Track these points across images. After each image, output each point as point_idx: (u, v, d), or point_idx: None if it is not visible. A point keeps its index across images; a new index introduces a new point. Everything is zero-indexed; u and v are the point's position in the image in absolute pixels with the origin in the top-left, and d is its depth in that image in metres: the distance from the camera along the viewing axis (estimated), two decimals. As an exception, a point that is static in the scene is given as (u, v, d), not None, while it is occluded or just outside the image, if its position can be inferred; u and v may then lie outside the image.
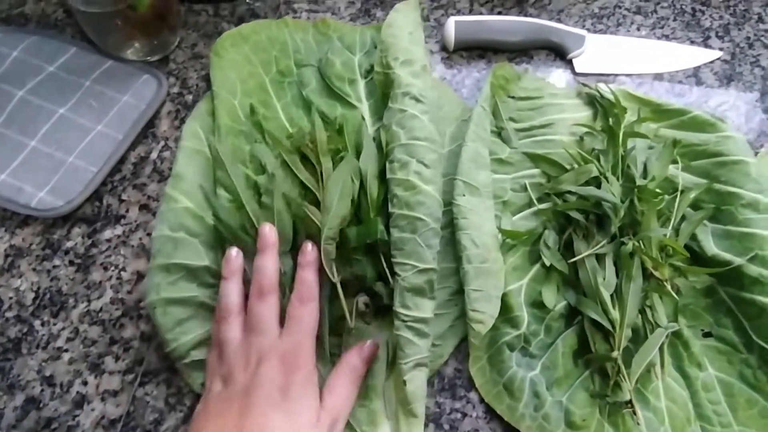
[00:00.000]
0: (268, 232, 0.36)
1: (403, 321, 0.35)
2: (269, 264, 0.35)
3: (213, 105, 0.44)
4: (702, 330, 0.39)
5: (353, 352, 0.35)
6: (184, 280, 0.37)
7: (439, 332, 0.39)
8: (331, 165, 0.40)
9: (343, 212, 0.38)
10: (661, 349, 0.36)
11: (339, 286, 0.36)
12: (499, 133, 0.47)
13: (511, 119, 0.47)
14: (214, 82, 0.45)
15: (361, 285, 0.37)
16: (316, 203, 0.39)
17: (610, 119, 0.44)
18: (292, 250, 0.38)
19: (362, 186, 0.40)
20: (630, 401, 0.34)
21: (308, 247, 0.36)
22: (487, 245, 0.38)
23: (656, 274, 0.37)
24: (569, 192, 0.41)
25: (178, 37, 0.53)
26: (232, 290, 0.35)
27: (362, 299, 0.37)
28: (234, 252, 0.36)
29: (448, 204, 0.40)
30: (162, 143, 0.48)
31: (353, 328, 0.36)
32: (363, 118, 0.46)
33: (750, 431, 0.35)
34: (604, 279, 0.37)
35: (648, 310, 0.37)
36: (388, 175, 0.39)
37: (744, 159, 0.40)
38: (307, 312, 0.34)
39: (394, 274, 0.36)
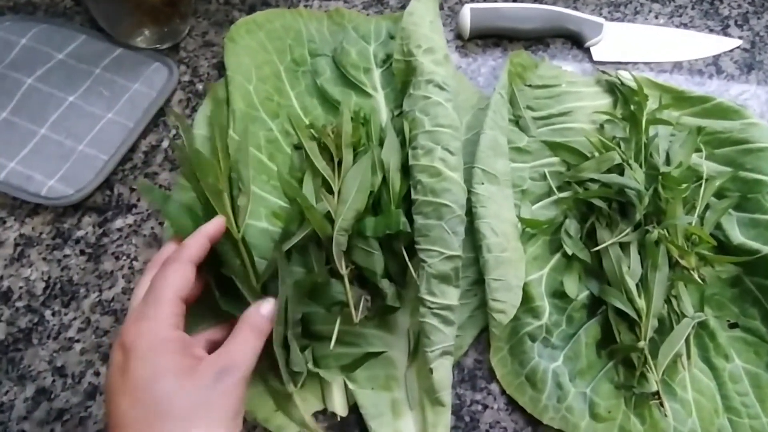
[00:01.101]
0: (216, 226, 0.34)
1: (429, 308, 0.34)
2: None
3: (227, 90, 0.43)
4: (728, 321, 0.38)
5: (251, 308, 0.32)
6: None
7: (459, 322, 0.38)
8: (351, 157, 0.39)
9: (359, 205, 0.37)
10: (687, 339, 0.35)
11: (346, 279, 0.35)
12: (516, 121, 0.46)
13: (529, 107, 0.47)
14: (228, 67, 0.44)
15: (366, 281, 0.36)
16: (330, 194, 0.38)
17: (632, 106, 0.43)
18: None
19: (384, 178, 0.39)
20: (657, 393, 0.33)
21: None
22: (506, 234, 0.37)
23: (682, 262, 0.36)
24: (591, 180, 0.40)
25: (189, 25, 0.52)
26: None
27: (365, 297, 0.36)
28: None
29: (467, 192, 0.39)
30: (173, 132, 0.47)
31: (356, 325, 0.35)
32: (376, 108, 0.45)
33: (780, 423, 0.34)
34: (629, 268, 0.36)
35: (673, 300, 0.36)
36: (411, 162, 0.38)
37: (770, 146, 0.39)
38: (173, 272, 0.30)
39: (416, 265, 0.35)
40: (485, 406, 0.37)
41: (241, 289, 0.35)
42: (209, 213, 0.36)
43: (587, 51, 0.52)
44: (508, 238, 0.37)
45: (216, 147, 0.39)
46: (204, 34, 0.52)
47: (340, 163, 0.40)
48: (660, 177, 0.38)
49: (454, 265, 0.35)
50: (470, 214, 0.39)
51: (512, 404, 0.37)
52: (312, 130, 0.42)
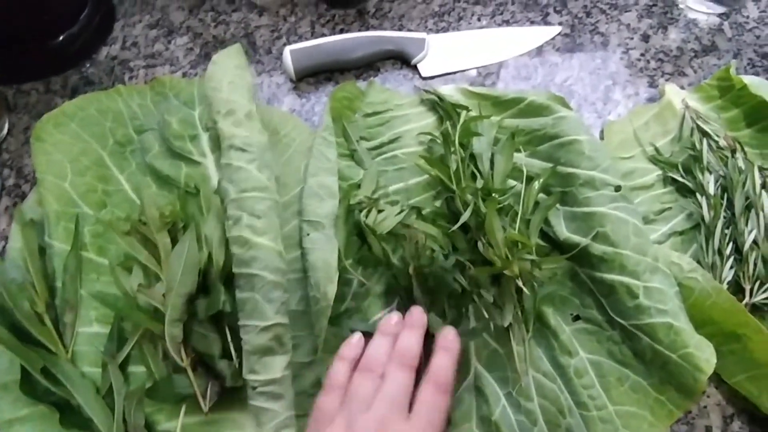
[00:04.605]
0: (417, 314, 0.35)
1: (254, 388, 0.34)
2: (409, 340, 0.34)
3: (39, 194, 0.41)
4: (571, 314, 0.39)
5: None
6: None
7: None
8: (168, 240, 0.38)
9: (189, 288, 0.36)
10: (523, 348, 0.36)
11: (189, 370, 0.34)
12: (352, 155, 0.46)
13: (363, 138, 0.47)
14: (38, 169, 0.42)
15: (209, 365, 0.35)
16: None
17: (448, 124, 0.43)
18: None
19: (210, 254, 0.38)
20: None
21: (449, 333, 0.34)
22: (318, 283, 0.36)
23: (507, 273, 0.36)
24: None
25: (6, 124, 0.50)
26: (342, 369, 0.33)
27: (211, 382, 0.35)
28: (357, 338, 0.35)
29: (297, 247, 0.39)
30: (3, 243, 0.45)
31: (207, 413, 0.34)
32: (206, 175, 0.44)
33: (624, 408, 0.35)
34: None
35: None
36: (227, 234, 0.38)
37: (577, 138, 0.41)
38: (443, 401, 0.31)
39: (238, 345, 0.35)
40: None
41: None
42: (29, 342, 0.35)
43: (416, 68, 0.52)
44: (318, 286, 0.36)
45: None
46: (26, 130, 0.50)
47: (166, 248, 0.39)
48: (479, 191, 0.39)
49: (273, 334, 0.34)
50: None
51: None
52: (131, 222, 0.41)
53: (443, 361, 0.33)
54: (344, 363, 0.33)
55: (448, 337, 0.34)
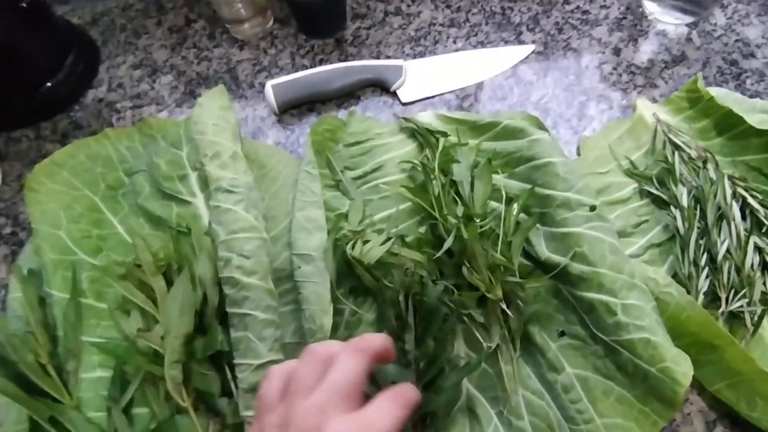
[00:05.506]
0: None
1: (250, 423, 0.35)
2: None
3: (35, 244, 0.43)
4: (557, 330, 0.40)
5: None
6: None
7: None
8: (163, 283, 0.40)
9: (186, 329, 0.37)
10: (512, 363, 0.38)
11: (191, 410, 0.35)
12: (337, 185, 0.47)
13: (347, 168, 0.48)
14: (32, 219, 0.44)
15: (210, 403, 0.37)
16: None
17: (427, 151, 0.45)
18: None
19: (205, 294, 0.40)
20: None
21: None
22: (313, 316, 0.38)
23: (490, 296, 0.38)
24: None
25: (-1, 173, 0.51)
26: None
27: (213, 421, 0.36)
28: None
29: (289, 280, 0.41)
30: (2, 293, 0.46)
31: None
32: (197, 214, 0.46)
33: (610, 420, 0.37)
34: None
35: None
36: (219, 275, 0.39)
37: (551, 160, 0.42)
38: None
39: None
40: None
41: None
42: (35, 392, 0.36)
43: (396, 95, 0.54)
44: (314, 319, 0.38)
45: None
46: (19, 177, 0.52)
47: (162, 291, 0.40)
48: (461, 218, 0.41)
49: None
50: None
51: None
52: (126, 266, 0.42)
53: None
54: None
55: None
